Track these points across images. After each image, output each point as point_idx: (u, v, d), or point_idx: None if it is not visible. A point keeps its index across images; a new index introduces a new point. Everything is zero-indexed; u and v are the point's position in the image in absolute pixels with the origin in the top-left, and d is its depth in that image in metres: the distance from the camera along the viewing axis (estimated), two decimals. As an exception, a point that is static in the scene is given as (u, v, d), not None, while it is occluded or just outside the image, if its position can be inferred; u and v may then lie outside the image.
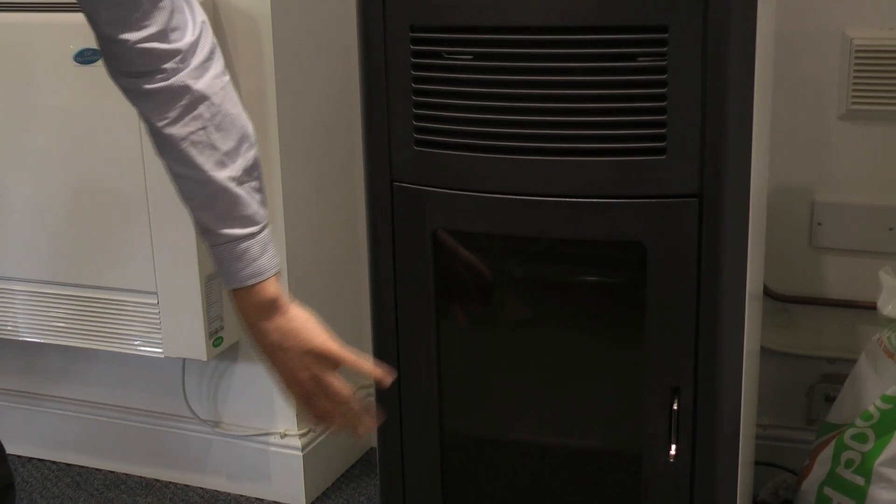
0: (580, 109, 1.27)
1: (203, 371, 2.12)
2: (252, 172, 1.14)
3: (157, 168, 1.86)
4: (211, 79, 1.10)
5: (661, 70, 1.24)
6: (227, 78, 1.13)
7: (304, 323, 1.16)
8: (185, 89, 1.09)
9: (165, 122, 1.10)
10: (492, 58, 1.29)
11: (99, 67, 1.85)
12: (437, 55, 1.32)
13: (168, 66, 1.08)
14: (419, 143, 1.36)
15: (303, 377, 1.17)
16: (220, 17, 1.87)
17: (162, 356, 1.99)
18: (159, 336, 1.97)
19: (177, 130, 1.10)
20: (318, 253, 2.07)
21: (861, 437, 1.59)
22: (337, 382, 1.17)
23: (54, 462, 2.28)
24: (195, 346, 1.94)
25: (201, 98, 1.09)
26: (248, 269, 1.13)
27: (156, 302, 1.95)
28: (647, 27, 1.24)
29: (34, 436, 2.28)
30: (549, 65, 1.27)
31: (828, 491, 1.63)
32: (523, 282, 1.46)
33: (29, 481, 2.21)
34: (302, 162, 1.99)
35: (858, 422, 1.60)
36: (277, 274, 1.16)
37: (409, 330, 1.43)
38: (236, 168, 1.12)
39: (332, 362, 1.16)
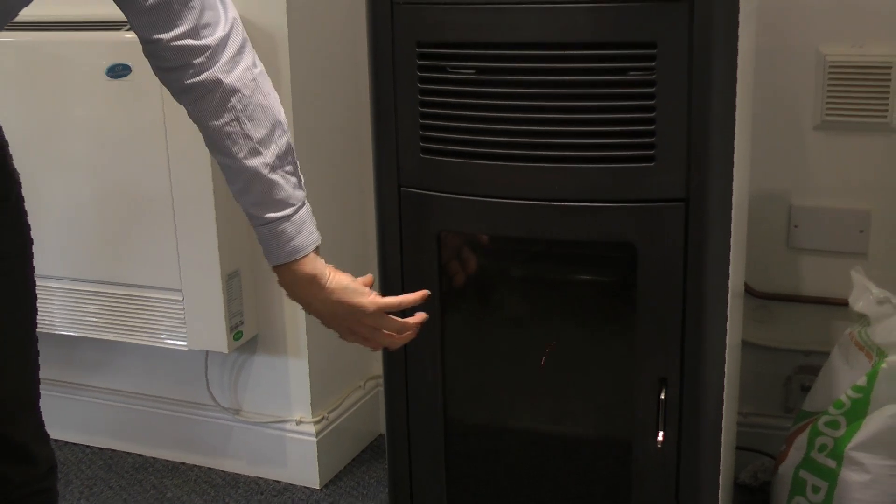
0: (575, 120, 1.26)
1: (224, 362, 2.11)
2: (285, 157, 1.15)
3: (181, 174, 1.87)
4: (242, 72, 1.10)
5: (650, 83, 1.23)
6: (258, 69, 1.13)
7: (343, 291, 1.18)
8: (217, 83, 1.09)
9: (204, 115, 1.10)
10: (493, 72, 1.28)
11: (128, 81, 1.85)
12: (442, 69, 1.31)
13: (198, 60, 1.08)
14: (425, 151, 1.35)
15: (358, 330, 1.21)
16: (240, 35, 1.86)
17: (186, 349, 1.99)
18: (184, 330, 1.96)
19: (214, 122, 1.10)
20: (332, 252, 2.05)
21: (834, 424, 1.58)
22: (389, 323, 1.21)
23: (88, 446, 2.28)
24: (217, 339, 1.94)
25: (233, 91, 1.09)
26: (285, 248, 1.15)
27: (181, 298, 1.95)
28: (637, 43, 1.23)
29: (69, 422, 2.28)
30: (545, 78, 1.26)
31: (803, 473, 1.62)
32: (522, 280, 1.45)
33: (65, 463, 2.21)
34: (316, 168, 1.97)
35: (831, 409, 1.59)
36: (317, 250, 1.18)
37: (416, 325, 1.42)
38: (270, 155, 1.12)
39: (381, 312, 1.20)
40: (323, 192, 2.01)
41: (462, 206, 1.34)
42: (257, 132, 1.11)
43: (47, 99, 1.93)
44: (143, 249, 1.95)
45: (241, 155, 1.11)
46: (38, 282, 1.31)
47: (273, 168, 1.13)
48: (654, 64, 1.22)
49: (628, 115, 1.25)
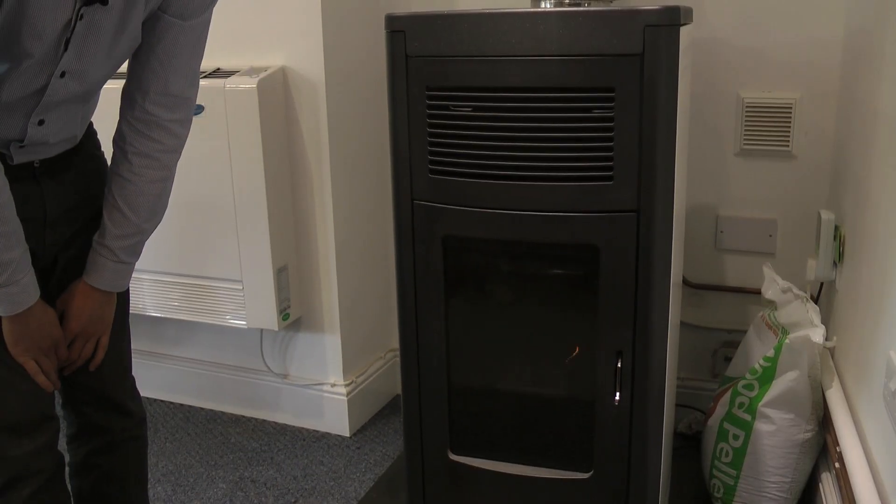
0: (551, 147, 1.24)
1: (275, 338, 2.09)
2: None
3: (242, 191, 1.85)
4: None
5: (610, 120, 1.22)
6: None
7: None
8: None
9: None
10: (486, 110, 1.26)
11: (202, 118, 1.83)
12: (446, 108, 1.30)
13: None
14: (433, 171, 1.33)
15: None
16: (289, 81, 1.86)
17: (245, 327, 1.96)
18: (244, 312, 1.95)
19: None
20: (358, 252, 2.05)
21: (749, 386, 1.57)
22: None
23: (170, 402, 2.26)
24: (269, 319, 1.92)
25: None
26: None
27: (241, 288, 1.93)
28: (599, 88, 1.21)
29: (156, 383, 2.27)
30: (528, 115, 1.24)
31: (726, 425, 1.61)
32: (510, 273, 1.43)
33: (154, 416, 2.19)
34: (347, 186, 1.97)
35: (748, 375, 1.58)
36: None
37: (425, 309, 1.40)
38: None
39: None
40: (353, 204, 2.00)
41: (462, 215, 1.32)
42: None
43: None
44: (213, 250, 1.93)
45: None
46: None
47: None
48: (612, 105, 1.21)
49: (592, 144, 1.23)
